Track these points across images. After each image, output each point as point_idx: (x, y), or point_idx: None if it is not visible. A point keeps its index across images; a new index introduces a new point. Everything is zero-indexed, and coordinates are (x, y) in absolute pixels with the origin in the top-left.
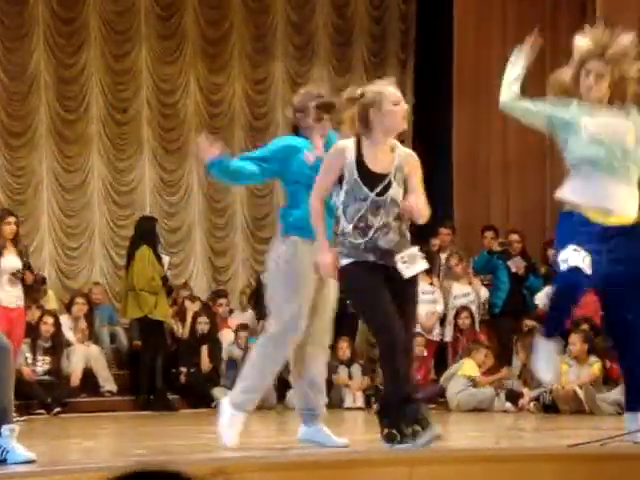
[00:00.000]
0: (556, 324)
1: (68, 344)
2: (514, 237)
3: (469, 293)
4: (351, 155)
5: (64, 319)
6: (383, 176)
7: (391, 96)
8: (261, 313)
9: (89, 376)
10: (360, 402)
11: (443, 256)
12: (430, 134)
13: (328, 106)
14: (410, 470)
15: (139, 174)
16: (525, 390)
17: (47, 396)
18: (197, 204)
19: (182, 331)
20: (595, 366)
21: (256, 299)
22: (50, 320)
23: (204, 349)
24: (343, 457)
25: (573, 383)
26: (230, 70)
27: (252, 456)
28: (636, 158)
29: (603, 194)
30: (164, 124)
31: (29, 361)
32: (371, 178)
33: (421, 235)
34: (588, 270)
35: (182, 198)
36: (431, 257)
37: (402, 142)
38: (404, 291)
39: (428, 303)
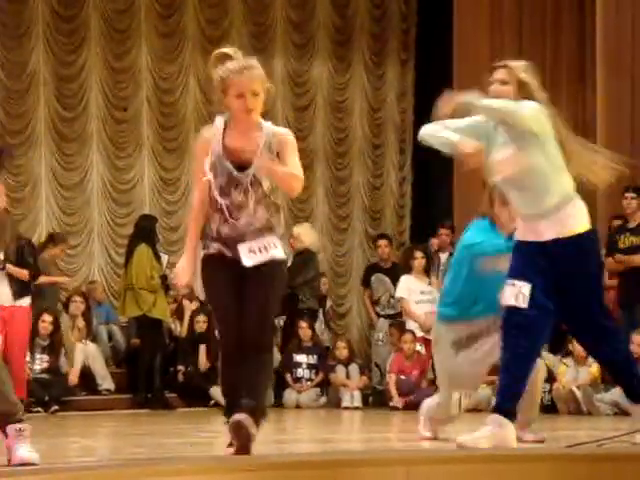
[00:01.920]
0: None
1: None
2: None
3: None
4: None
5: (64, 317)
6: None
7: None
8: None
9: (87, 374)
10: (358, 401)
11: (443, 256)
12: None
13: None
14: (407, 470)
15: (138, 172)
16: None
17: (45, 394)
18: None
19: (180, 330)
20: (594, 367)
21: None
22: (48, 319)
23: (202, 348)
24: (340, 457)
25: (571, 384)
26: None
27: (250, 455)
28: None
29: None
30: (164, 122)
31: (27, 359)
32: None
33: (421, 235)
34: (524, 304)
35: (181, 197)
36: (430, 257)
37: (403, 141)
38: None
39: (427, 303)
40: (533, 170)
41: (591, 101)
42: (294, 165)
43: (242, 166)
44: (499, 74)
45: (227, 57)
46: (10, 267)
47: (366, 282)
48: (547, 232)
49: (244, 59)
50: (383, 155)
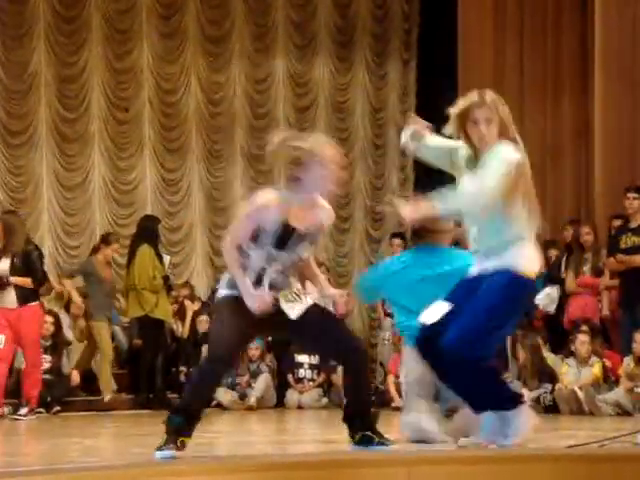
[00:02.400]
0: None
1: (67, 343)
2: None
3: None
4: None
5: (63, 318)
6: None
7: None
8: None
9: (89, 375)
10: None
11: None
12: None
13: None
14: (408, 470)
15: (140, 173)
16: (525, 391)
17: (47, 395)
18: (198, 203)
19: (182, 330)
20: (596, 367)
21: None
22: (50, 319)
23: (204, 348)
24: (342, 457)
25: (573, 384)
26: (231, 69)
27: (252, 455)
28: None
29: None
30: (165, 123)
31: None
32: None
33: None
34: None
35: (183, 197)
36: None
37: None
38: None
39: None
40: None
41: (593, 103)
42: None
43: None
44: (483, 113)
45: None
46: (12, 278)
47: None
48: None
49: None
50: (385, 156)
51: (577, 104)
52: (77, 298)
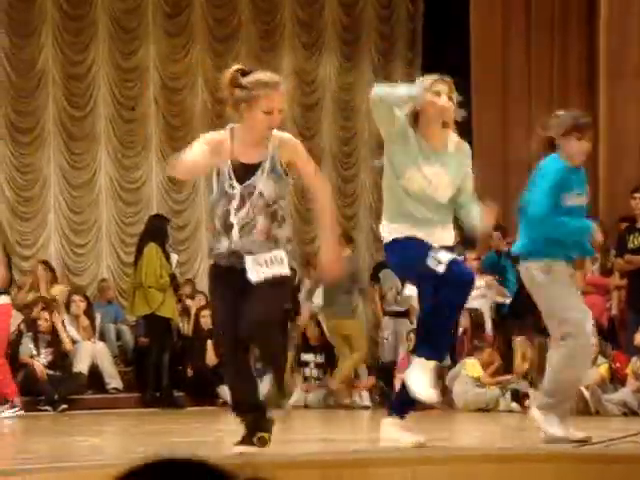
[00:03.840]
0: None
1: (74, 341)
2: None
3: (484, 295)
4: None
5: (66, 316)
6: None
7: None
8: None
9: (95, 373)
10: (366, 401)
11: None
12: None
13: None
14: (413, 469)
15: (146, 172)
16: (531, 390)
17: (54, 393)
18: (203, 202)
19: (187, 328)
20: (602, 367)
21: None
22: (46, 315)
23: (209, 343)
24: (347, 457)
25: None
26: None
27: (258, 454)
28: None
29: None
30: (171, 122)
31: (34, 352)
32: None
33: None
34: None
35: (189, 196)
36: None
37: None
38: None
39: None
40: None
41: (599, 103)
42: (311, 170)
43: (243, 178)
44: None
45: (245, 72)
46: None
47: (375, 278)
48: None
49: (270, 73)
50: None
51: (584, 104)
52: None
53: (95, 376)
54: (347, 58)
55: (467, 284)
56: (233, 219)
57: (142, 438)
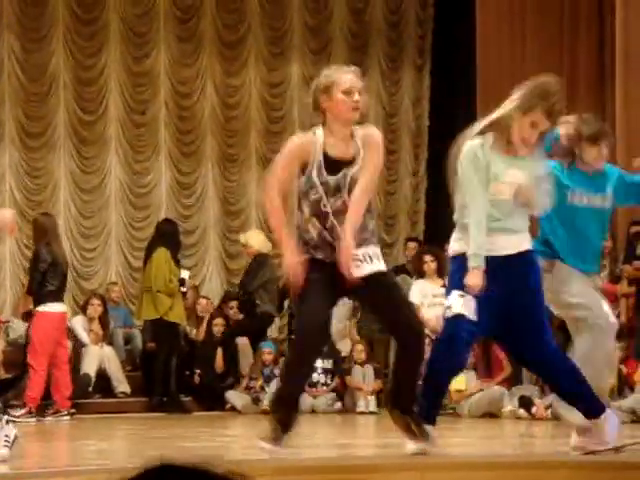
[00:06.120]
0: (434, 389)
1: (82, 345)
2: None
3: None
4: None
5: (78, 320)
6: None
7: (343, 83)
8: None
9: (103, 377)
10: (373, 407)
11: None
12: (447, 139)
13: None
14: (421, 475)
15: (156, 176)
16: (538, 400)
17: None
18: (212, 207)
19: (196, 333)
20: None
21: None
22: None
23: (219, 351)
24: (354, 462)
25: None
26: (247, 73)
27: (265, 459)
28: None
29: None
30: (181, 126)
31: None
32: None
33: (434, 241)
34: (473, 316)
35: (197, 200)
36: (443, 260)
37: (418, 147)
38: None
39: (439, 306)
40: None
41: (610, 100)
42: (370, 174)
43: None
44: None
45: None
46: None
47: None
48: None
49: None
50: (398, 161)
51: (594, 108)
52: None
53: (103, 380)
54: (355, 64)
55: None
56: None
57: (149, 442)
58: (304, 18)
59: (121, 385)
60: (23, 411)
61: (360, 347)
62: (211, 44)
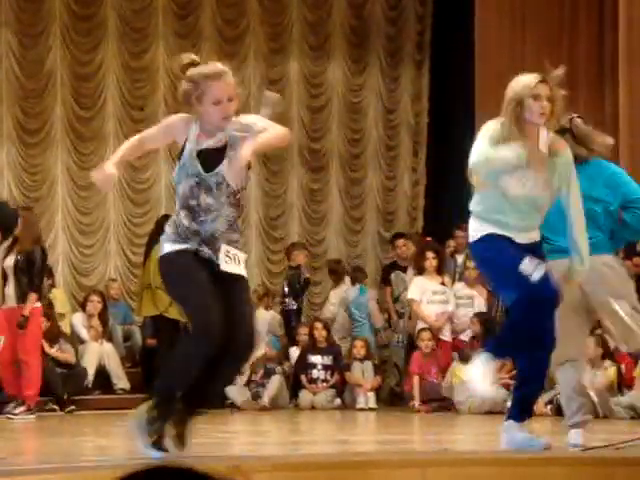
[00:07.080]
0: (517, 342)
1: (81, 341)
2: None
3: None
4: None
5: (78, 316)
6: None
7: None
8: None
9: (102, 373)
10: (372, 403)
11: (459, 258)
12: (446, 135)
13: None
14: (422, 472)
15: (155, 172)
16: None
17: (64, 392)
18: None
19: None
20: (610, 370)
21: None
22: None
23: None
24: (355, 458)
25: (588, 387)
26: (246, 69)
27: (265, 456)
28: None
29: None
30: None
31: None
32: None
33: (433, 237)
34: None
35: None
36: (443, 256)
37: (417, 143)
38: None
39: (439, 303)
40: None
41: (610, 97)
42: (267, 125)
43: (209, 167)
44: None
45: (194, 64)
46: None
47: (386, 280)
48: None
49: (216, 64)
50: (397, 157)
51: (592, 103)
52: None
53: (102, 377)
54: (355, 60)
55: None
56: None
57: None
58: (303, 14)
59: (121, 382)
60: (22, 408)
61: (360, 343)
62: (210, 40)
